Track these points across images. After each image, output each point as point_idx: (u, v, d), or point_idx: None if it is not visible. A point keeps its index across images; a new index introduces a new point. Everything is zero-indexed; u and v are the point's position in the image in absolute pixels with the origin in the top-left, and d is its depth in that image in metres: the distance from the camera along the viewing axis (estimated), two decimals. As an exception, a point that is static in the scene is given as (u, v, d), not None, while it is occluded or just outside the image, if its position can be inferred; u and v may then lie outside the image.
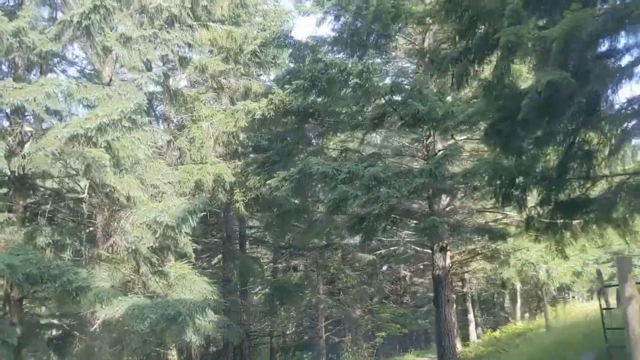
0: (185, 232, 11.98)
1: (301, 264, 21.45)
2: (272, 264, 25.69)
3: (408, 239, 18.37)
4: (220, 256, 22.26)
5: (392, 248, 22.63)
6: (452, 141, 12.76)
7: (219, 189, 15.90)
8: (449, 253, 16.18)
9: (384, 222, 12.26)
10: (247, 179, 15.83)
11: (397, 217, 12.47)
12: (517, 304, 26.01)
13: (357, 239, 24.57)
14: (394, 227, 13.88)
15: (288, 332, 33.46)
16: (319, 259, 23.11)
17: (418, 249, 18.63)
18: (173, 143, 16.44)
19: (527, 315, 27.81)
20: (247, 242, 23.79)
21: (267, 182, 12.68)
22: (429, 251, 16.87)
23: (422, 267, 27.98)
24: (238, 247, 21.05)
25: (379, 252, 25.59)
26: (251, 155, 17.10)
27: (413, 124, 11.30)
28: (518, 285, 25.67)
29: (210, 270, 20.90)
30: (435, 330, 12.60)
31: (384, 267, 34.59)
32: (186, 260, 14.72)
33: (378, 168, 10.91)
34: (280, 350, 29.38)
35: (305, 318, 31.60)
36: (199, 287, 14.22)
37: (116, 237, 11.44)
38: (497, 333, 20.69)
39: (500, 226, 13.14)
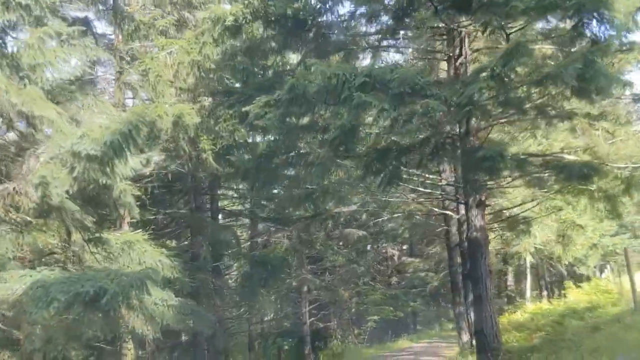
0: (124, 176, 8.02)
1: (284, 239, 17.60)
2: (249, 240, 21.80)
3: (424, 192, 14.43)
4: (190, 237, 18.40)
5: (395, 215, 18.75)
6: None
7: (181, 135, 11.94)
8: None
9: (422, 154, 8.47)
10: (217, 122, 11.97)
11: (436, 149, 8.66)
12: (526, 281, 22.57)
13: (351, 207, 20.86)
14: (434, 161, 10.01)
15: (267, 318, 29.72)
16: (304, 233, 19.29)
17: (436, 209, 14.87)
18: (119, 78, 12.41)
19: (535, 293, 24.53)
20: (220, 214, 19.85)
21: (244, 109, 8.80)
22: (449, 213, 13.24)
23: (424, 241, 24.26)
24: (210, 217, 17.14)
25: (379, 219, 21.74)
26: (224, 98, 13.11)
27: (459, 6, 7.51)
28: (528, 261, 22.30)
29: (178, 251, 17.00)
30: (475, 314, 8.88)
31: (368, 247, 31.01)
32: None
33: (412, 70, 7.16)
34: (259, 338, 25.71)
35: (287, 302, 27.94)
36: (152, 259, 10.38)
37: (17, 182, 7.43)
38: (519, 315, 17.23)
39: (586, 159, 9.29)
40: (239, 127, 11.65)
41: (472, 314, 11.99)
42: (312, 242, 22.50)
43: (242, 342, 24.70)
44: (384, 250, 34.47)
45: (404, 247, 38.13)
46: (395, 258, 35.36)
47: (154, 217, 16.11)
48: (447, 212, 13.66)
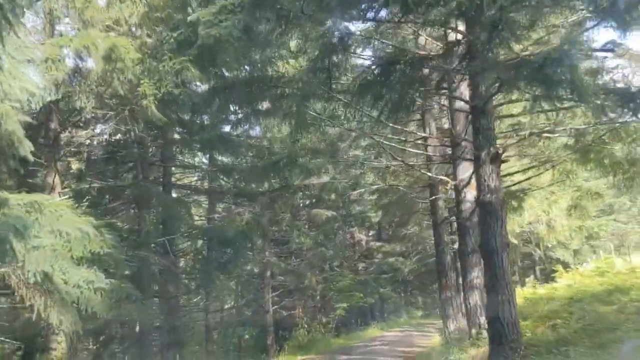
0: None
1: (245, 214, 15.12)
2: (207, 218, 19.24)
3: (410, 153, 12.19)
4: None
5: (373, 186, 16.48)
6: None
7: (115, 76, 9.36)
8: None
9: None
10: (162, 61, 9.46)
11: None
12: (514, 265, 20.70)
13: (323, 179, 18.54)
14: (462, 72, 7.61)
15: (227, 306, 27.36)
16: (269, 210, 16.86)
17: (428, 173, 12.57)
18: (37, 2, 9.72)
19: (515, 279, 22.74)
20: (173, 190, 17.22)
21: (191, 19, 6.33)
22: (444, 178, 11.08)
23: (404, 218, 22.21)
24: (161, 190, 14.51)
25: (350, 195, 19.54)
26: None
27: None
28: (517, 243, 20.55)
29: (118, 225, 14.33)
30: (489, 297, 6.64)
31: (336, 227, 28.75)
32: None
33: None
34: (217, 328, 23.31)
35: (248, 288, 25.55)
36: (69, 227, 7.83)
37: None
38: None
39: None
40: (189, 65, 9.13)
41: (471, 299, 9.84)
42: (277, 222, 20.15)
43: (199, 331, 22.22)
44: (349, 236, 32.40)
45: (371, 233, 36.28)
46: (363, 243, 33.34)
47: (89, 186, 13.54)
48: (443, 176, 11.47)
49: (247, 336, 24.36)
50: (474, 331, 9.75)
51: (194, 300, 22.54)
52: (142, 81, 9.65)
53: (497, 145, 7.84)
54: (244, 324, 24.07)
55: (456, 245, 18.17)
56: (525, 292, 14.97)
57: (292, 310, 25.23)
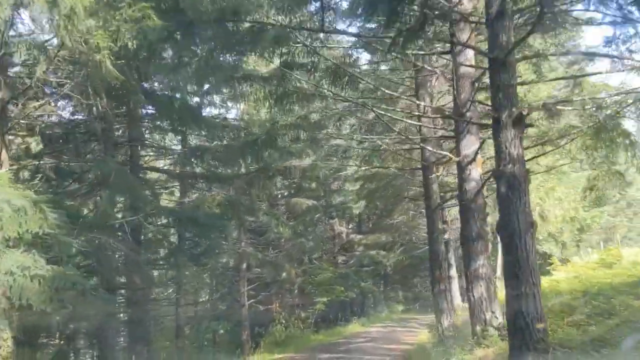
0: None
1: (218, 196, 13.59)
2: (178, 203, 17.63)
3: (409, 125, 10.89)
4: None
5: (362, 169, 15.08)
6: None
7: (62, 23, 7.78)
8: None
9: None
10: (119, 9, 7.96)
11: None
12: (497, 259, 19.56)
13: (306, 162, 17.06)
14: None
15: (202, 300, 25.91)
16: (244, 196, 15.34)
17: (430, 148, 11.12)
18: None
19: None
20: (141, 171, 15.57)
21: None
22: (448, 154, 9.79)
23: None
24: (128, 170, 12.88)
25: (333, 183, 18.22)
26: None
27: None
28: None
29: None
30: (508, 289, 5.21)
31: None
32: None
33: None
34: (190, 322, 21.84)
35: (223, 281, 24.06)
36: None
37: None
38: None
39: None
40: (150, 12, 7.63)
41: (475, 291, 8.54)
42: (254, 210, 18.65)
43: (169, 327, 20.67)
44: (329, 228, 31.07)
45: (351, 226, 35.07)
46: (344, 236, 32.02)
47: (40, 163, 11.90)
48: (445, 152, 10.11)
49: (222, 331, 22.86)
50: (478, 328, 8.45)
51: (166, 293, 21.06)
52: (95, 32, 8.10)
53: (521, 107, 6.50)
54: (219, 319, 22.63)
55: (447, 235, 16.98)
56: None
57: (268, 304, 23.80)
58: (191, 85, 11.90)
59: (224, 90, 11.47)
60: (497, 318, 8.52)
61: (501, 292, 10.16)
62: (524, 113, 6.30)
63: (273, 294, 24.37)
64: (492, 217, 11.23)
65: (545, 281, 13.88)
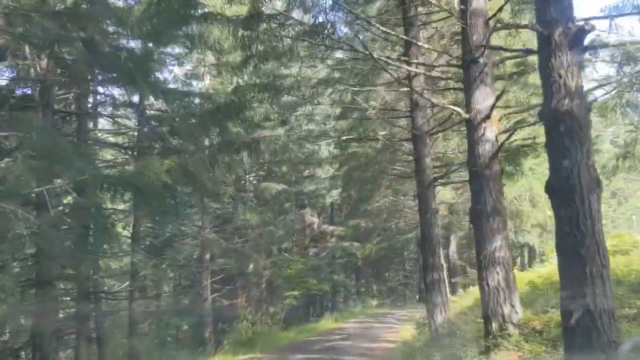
0: None
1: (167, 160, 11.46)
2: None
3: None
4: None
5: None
6: None
7: None
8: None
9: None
10: None
11: None
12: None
13: (280, 131, 15.09)
14: None
15: (165, 294, 23.69)
16: (204, 171, 13.22)
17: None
18: None
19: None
20: (91, 146, 13.36)
21: None
22: (456, 109, 8.04)
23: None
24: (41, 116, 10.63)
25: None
26: None
27: None
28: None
29: None
30: (565, 270, 3.22)
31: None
32: None
33: None
34: (148, 318, 19.68)
35: (184, 273, 21.95)
36: None
37: None
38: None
39: None
40: None
41: (490, 279, 6.77)
42: (217, 193, 16.62)
43: (122, 322, 18.47)
44: (300, 218, 29.22)
45: (323, 217, 33.34)
46: (315, 226, 30.15)
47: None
48: (453, 106, 8.28)
49: (185, 327, 20.81)
50: (494, 325, 6.68)
51: (123, 286, 18.85)
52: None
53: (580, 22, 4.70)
54: (180, 314, 20.58)
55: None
56: (523, 276, 12.20)
57: (234, 299, 21.81)
58: (140, 29, 9.83)
59: (180, 34, 9.39)
60: (517, 313, 6.77)
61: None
62: (586, 28, 4.49)
63: (239, 288, 22.38)
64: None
65: (546, 272, 12.27)
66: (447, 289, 12.71)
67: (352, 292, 29.75)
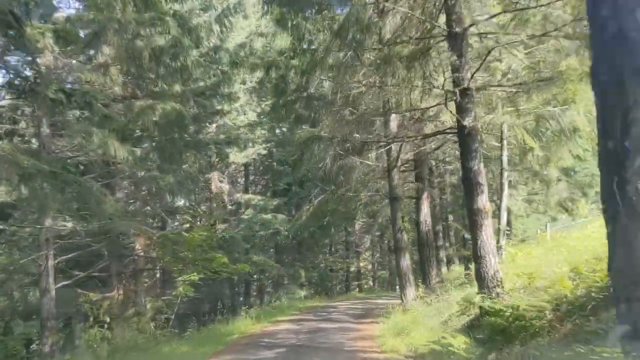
0: None
1: None
2: None
3: None
4: None
5: None
6: None
7: None
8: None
9: None
10: None
11: None
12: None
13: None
14: None
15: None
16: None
17: None
18: None
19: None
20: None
21: None
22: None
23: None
24: None
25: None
26: None
27: None
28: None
29: None
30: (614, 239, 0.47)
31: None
32: None
33: None
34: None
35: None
36: None
37: None
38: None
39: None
40: None
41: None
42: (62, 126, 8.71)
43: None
44: (206, 183, 21.59)
45: (239, 183, 26.24)
46: (225, 196, 22.44)
47: None
48: None
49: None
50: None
51: None
52: None
53: None
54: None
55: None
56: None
57: (108, 291, 13.84)
58: None
59: None
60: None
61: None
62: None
63: (113, 275, 14.38)
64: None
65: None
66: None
67: (277, 279, 22.38)
